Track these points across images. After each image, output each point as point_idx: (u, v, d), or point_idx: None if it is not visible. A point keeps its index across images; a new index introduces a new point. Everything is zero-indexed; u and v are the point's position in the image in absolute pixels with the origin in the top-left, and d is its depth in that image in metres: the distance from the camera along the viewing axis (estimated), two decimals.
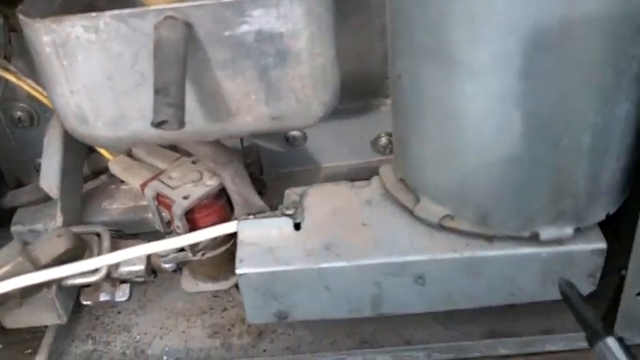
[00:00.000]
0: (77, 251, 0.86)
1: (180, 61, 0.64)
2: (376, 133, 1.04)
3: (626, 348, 0.62)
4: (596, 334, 0.65)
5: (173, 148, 0.97)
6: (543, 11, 0.60)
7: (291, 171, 1.08)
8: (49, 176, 0.92)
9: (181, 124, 0.63)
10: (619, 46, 0.62)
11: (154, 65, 0.64)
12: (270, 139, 1.04)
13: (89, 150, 1.04)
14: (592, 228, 0.80)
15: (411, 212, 0.83)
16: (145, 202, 0.99)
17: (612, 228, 0.83)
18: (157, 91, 0.62)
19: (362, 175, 0.92)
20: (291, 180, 0.95)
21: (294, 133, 1.04)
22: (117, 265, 0.90)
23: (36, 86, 0.90)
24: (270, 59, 0.70)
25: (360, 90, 1.00)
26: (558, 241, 0.78)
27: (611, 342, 0.64)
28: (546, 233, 0.77)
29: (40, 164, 1.03)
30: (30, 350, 1.00)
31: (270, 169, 1.08)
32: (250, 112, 0.74)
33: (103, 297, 0.92)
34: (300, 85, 0.72)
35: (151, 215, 0.98)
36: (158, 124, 0.62)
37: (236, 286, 0.97)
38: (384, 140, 1.04)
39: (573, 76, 0.64)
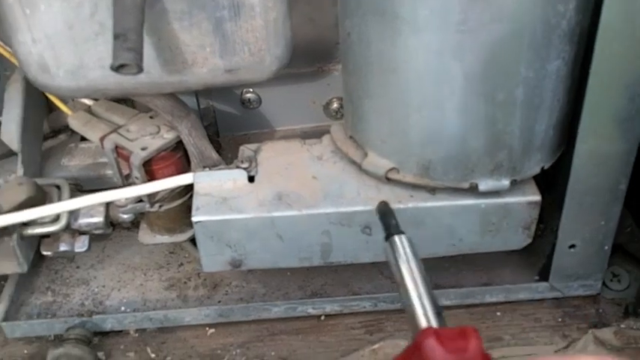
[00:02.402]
0: (38, 200, 0.88)
1: (138, 10, 0.67)
2: (328, 97, 1.08)
3: (411, 248, 0.64)
4: (389, 233, 0.67)
5: (131, 106, 1.00)
6: None
7: (246, 134, 1.12)
8: (10, 130, 0.94)
9: (139, 68, 0.66)
10: (549, 1, 0.67)
11: (113, 12, 0.67)
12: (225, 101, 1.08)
13: (49, 109, 1.06)
14: (528, 181, 0.85)
15: (359, 167, 0.87)
16: (103, 159, 1.02)
17: (549, 186, 0.89)
18: (116, 37, 0.66)
19: (314, 138, 0.96)
20: (246, 142, 0.98)
21: (249, 95, 1.07)
22: (76, 217, 0.93)
23: None
24: (224, 12, 0.73)
25: (313, 55, 1.05)
26: (496, 193, 0.83)
27: (397, 239, 0.65)
28: (484, 185, 0.82)
29: None
30: None
31: (226, 132, 1.12)
32: (206, 64, 0.77)
33: (63, 247, 0.94)
34: (253, 38, 0.76)
35: (109, 172, 1.01)
36: (118, 68, 0.65)
37: (191, 240, 1.01)
38: (335, 105, 1.08)
39: (506, 30, 0.68)
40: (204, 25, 0.74)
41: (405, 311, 0.61)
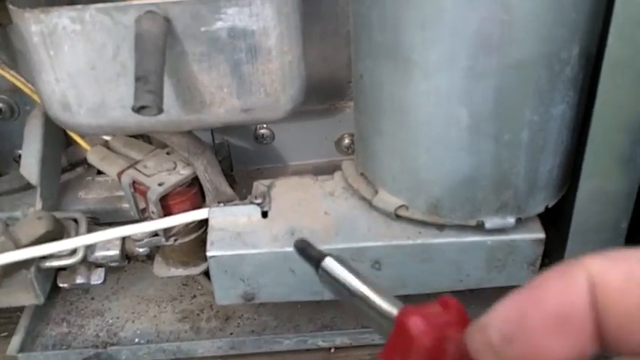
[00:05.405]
0: (56, 234, 0.91)
1: (159, 53, 0.70)
2: (340, 133, 1.11)
3: (343, 262, 0.57)
4: (317, 261, 0.60)
5: (147, 141, 1.03)
6: (485, 16, 0.67)
7: (259, 168, 1.15)
8: (30, 163, 0.97)
9: (160, 109, 0.69)
10: (552, 50, 0.70)
11: (135, 55, 0.70)
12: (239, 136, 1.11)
13: (67, 143, 1.09)
14: (533, 219, 0.87)
15: (369, 203, 0.89)
16: (119, 193, 1.05)
17: (554, 223, 0.91)
18: (137, 79, 0.68)
19: (326, 173, 0.99)
20: (259, 177, 1.01)
21: (263, 131, 1.10)
22: (93, 250, 0.95)
23: (19, 77, 0.95)
24: (242, 55, 0.76)
25: (325, 92, 1.08)
26: (502, 230, 0.85)
27: (329, 260, 0.59)
28: (490, 222, 0.84)
29: (18, 155, 1.09)
30: (5, 333, 1.05)
31: (239, 166, 1.15)
32: (223, 104, 0.80)
33: (79, 280, 0.97)
34: (269, 79, 0.79)
35: (125, 205, 1.03)
36: (139, 109, 0.68)
37: (204, 273, 1.04)
38: (347, 141, 1.11)
39: (511, 76, 0.71)
40: (222, 67, 0.77)
41: (369, 317, 0.55)
